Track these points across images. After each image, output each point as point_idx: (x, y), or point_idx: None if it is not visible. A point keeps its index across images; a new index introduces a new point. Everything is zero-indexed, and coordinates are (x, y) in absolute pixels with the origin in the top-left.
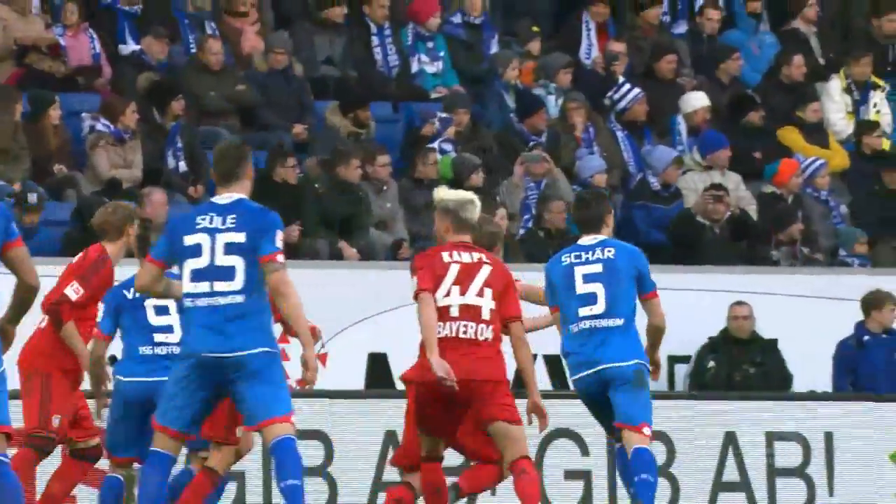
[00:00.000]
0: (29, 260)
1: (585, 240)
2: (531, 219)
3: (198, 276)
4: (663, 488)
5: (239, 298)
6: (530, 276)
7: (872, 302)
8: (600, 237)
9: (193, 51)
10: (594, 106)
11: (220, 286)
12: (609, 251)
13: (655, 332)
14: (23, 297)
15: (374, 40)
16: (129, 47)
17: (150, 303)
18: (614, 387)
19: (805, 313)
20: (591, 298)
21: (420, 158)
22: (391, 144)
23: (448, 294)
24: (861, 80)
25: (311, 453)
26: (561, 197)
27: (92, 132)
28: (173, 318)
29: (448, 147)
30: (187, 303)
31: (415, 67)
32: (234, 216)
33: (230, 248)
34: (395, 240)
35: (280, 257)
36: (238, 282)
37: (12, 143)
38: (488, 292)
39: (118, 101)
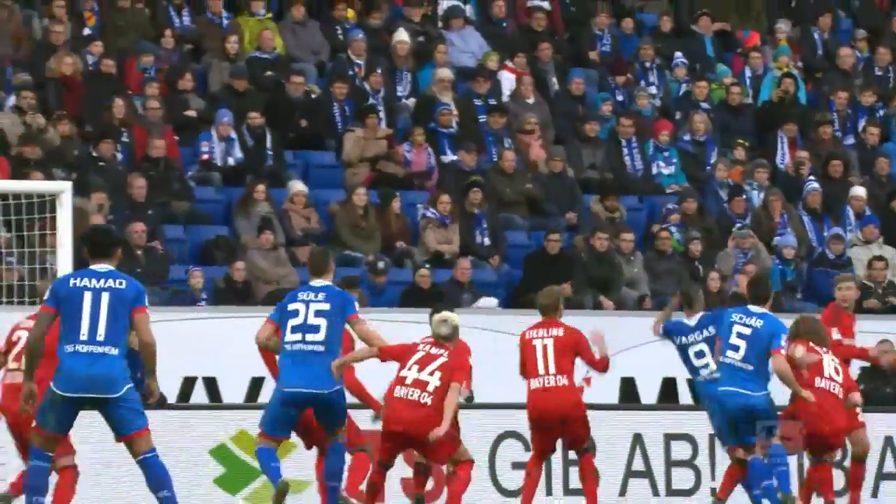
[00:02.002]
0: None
1: (753, 308)
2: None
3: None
4: None
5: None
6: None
7: None
8: (761, 310)
9: (495, 159)
10: (787, 198)
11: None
12: (759, 321)
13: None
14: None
15: (625, 151)
16: (449, 157)
17: None
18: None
19: None
20: (735, 347)
21: (658, 235)
22: (637, 226)
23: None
24: None
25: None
26: (762, 264)
27: (423, 218)
28: None
29: (675, 228)
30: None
31: (654, 170)
32: (324, 294)
33: (319, 314)
34: (640, 295)
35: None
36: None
37: (366, 225)
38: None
39: (441, 197)
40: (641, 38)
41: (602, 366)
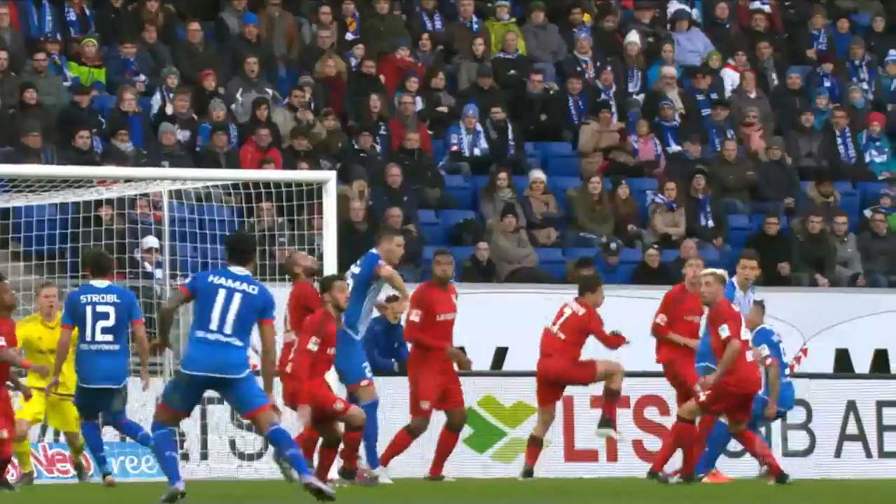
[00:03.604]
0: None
1: None
2: None
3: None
4: None
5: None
6: None
7: None
8: None
9: (718, 149)
10: None
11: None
12: None
13: None
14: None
15: (839, 140)
16: (674, 148)
17: None
18: None
19: None
20: None
21: (873, 218)
22: (850, 210)
23: None
24: None
25: None
26: None
27: (652, 203)
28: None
29: (886, 211)
30: None
31: (867, 158)
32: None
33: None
34: (853, 273)
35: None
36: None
37: (600, 209)
38: None
39: (668, 184)
40: (854, 37)
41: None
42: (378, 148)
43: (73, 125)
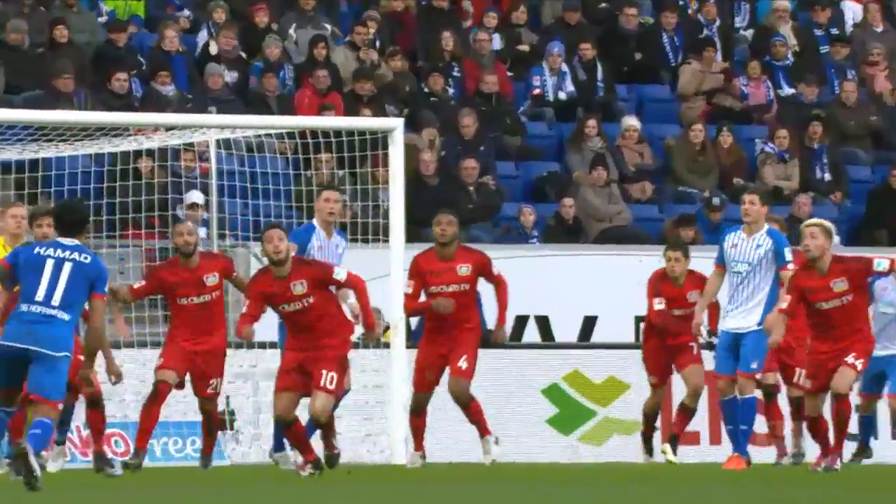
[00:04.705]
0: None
1: None
2: None
3: None
4: None
5: None
6: None
7: None
8: None
9: (837, 91)
10: None
11: None
12: None
13: None
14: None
15: None
16: (786, 91)
17: None
18: None
19: None
20: None
21: None
22: None
23: None
24: None
25: None
26: None
27: (761, 153)
28: None
29: None
30: None
31: None
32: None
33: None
34: None
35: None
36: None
37: (702, 160)
38: None
39: (780, 131)
40: None
41: None
42: (451, 91)
43: (109, 66)
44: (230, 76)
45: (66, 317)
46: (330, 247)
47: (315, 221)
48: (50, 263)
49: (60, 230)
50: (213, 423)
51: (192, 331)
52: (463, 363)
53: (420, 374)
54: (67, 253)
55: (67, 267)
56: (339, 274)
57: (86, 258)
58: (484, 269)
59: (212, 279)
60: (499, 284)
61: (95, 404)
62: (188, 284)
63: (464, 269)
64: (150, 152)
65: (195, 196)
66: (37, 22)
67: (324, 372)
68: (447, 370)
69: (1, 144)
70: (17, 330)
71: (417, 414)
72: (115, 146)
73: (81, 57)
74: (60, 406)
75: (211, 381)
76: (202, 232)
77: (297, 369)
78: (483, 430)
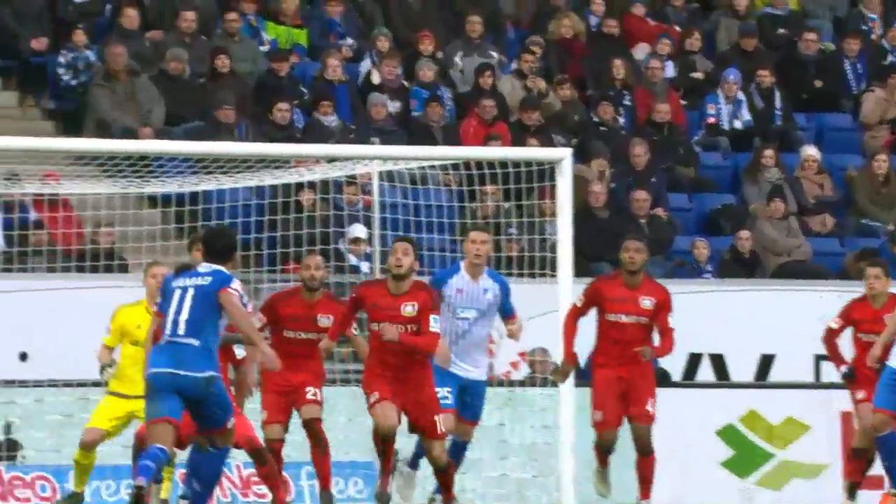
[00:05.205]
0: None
1: None
2: None
3: None
4: None
5: None
6: None
7: None
8: None
9: None
10: None
11: None
12: None
13: None
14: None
15: None
16: None
17: None
18: None
19: None
20: None
21: None
22: None
23: None
24: None
25: None
26: None
27: None
28: None
29: None
30: None
31: None
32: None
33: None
34: None
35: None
36: None
37: (886, 192)
38: None
39: None
40: None
41: None
42: (621, 121)
43: (271, 96)
44: (393, 106)
45: (195, 342)
46: (475, 291)
47: (462, 263)
48: (177, 294)
49: (208, 256)
50: (321, 444)
51: (290, 363)
52: (650, 407)
53: (605, 406)
54: (193, 280)
55: (190, 293)
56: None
57: (206, 279)
58: (664, 307)
59: (325, 321)
60: (664, 334)
61: (261, 459)
62: (301, 319)
63: (646, 303)
64: (311, 184)
65: (358, 230)
66: (198, 51)
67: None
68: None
69: (161, 177)
70: (163, 359)
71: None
72: (277, 178)
73: (243, 87)
74: (231, 424)
75: (308, 388)
76: (364, 266)
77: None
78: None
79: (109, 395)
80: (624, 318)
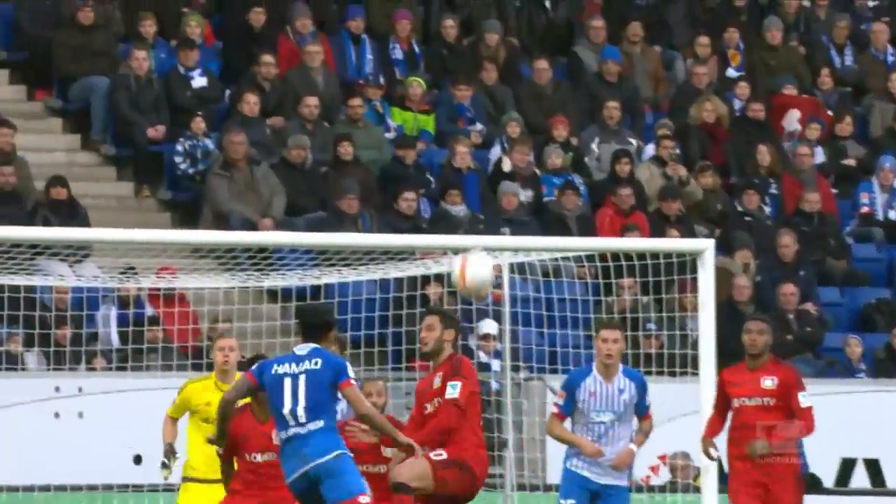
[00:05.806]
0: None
1: None
2: None
3: None
4: None
5: None
6: None
7: None
8: None
9: None
10: None
11: None
12: None
13: None
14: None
15: None
16: None
17: None
18: None
19: None
20: None
21: None
22: None
23: None
24: None
25: None
26: None
27: None
28: None
29: None
30: None
31: None
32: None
33: None
34: None
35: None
36: None
37: None
38: None
39: None
40: None
41: None
42: (767, 210)
43: (396, 185)
44: (525, 194)
45: (319, 424)
46: (608, 392)
47: (594, 363)
48: (288, 382)
49: (304, 335)
50: None
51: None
52: None
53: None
54: (300, 365)
55: (302, 379)
56: None
57: (316, 363)
58: (791, 386)
59: (388, 451)
60: (799, 415)
61: None
62: (366, 452)
63: (768, 382)
64: (438, 277)
65: (488, 325)
66: (320, 138)
67: None
68: None
69: (281, 270)
70: (291, 462)
71: None
72: (402, 271)
73: (367, 175)
74: (368, 498)
75: None
76: (495, 364)
77: None
78: None
79: (186, 481)
80: (747, 402)
